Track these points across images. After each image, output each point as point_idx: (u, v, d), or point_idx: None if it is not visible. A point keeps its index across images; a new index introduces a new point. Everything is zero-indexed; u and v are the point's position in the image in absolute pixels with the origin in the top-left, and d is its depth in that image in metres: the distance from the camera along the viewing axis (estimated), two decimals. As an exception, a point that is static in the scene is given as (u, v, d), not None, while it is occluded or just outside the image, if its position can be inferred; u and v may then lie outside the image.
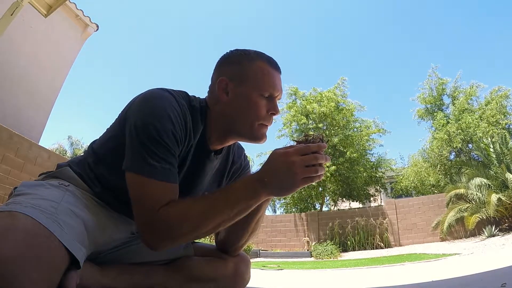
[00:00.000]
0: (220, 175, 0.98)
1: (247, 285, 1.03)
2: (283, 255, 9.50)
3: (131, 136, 0.73)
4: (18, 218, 0.60)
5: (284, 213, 13.88)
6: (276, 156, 0.69)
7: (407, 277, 3.30)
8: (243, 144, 1.04)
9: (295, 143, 0.74)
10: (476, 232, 8.48)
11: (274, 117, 0.88)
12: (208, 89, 0.90)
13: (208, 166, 0.90)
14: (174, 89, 0.84)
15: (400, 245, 9.75)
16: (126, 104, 0.83)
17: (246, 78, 0.84)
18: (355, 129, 13.08)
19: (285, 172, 0.67)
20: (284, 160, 0.67)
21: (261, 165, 0.73)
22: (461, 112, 12.25)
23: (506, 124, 11.35)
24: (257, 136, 0.86)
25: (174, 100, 0.78)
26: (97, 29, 6.12)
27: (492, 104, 11.65)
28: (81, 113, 46.94)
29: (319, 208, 13.42)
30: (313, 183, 0.74)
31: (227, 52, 0.90)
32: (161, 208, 0.69)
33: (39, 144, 4.30)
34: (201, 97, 0.91)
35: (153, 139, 0.71)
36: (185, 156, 0.83)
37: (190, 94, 0.89)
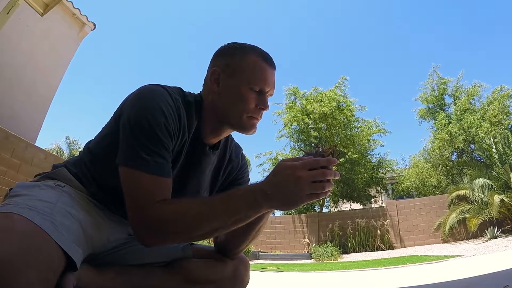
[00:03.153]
0: (216, 172, 0.97)
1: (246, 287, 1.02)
2: (282, 257, 9.46)
3: (124, 131, 0.73)
4: (14, 220, 0.60)
5: (284, 215, 13.83)
6: (283, 169, 0.66)
7: (409, 279, 3.31)
8: (242, 143, 1.05)
9: (304, 154, 0.71)
10: (478, 233, 8.42)
11: (264, 112, 0.88)
12: (203, 82, 0.91)
13: (204, 161, 0.89)
14: (169, 85, 0.84)
15: (401, 247, 9.69)
16: (122, 101, 0.82)
17: (238, 70, 0.84)
18: (356, 129, 13.02)
19: (290, 187, 0.64)
20: (290, 174, 0.65)
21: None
22: (463, 112, 12.16)
23: (508, 124, 11.25)
24: (246, 127, 0.85)
25: (167, 94, 0.77)
26: (94, 28, 6.12)
27: (495, 104, 11.55)
28: (78, 113, 46.97)
29: (319, 210, 13.37)
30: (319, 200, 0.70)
31: (223, 45, 0.90)
32: (155, 203, 0.68)
33: (35, 144, 4.28)
34: (197, 92, 0.92)
35: (145, 133, 0.71)
36: (179, 151, 0.82)
37: (185, 90, 0.89)
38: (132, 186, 0.70)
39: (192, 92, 0.90)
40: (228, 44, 0.89)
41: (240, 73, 0.83)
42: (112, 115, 0.84)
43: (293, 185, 0.64)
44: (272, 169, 0.70)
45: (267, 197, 0.67)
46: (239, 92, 0.83)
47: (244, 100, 0.83)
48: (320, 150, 0.70)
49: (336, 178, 0.67)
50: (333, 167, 0.67)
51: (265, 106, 0.85)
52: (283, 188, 0.65)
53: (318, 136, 12.14)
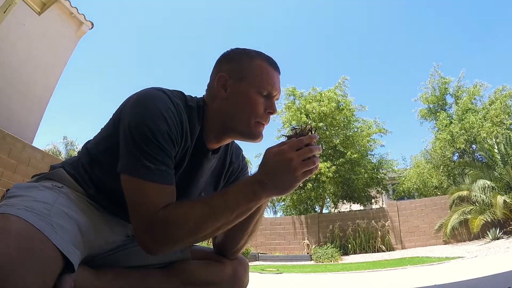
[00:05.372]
0: (217, 176, 0.97)
1: (246, 289, 1.02)
2: (282, 259, 9.41)
3: (125, 138, 0.72)
4: (11, 221, 0.60)
5: (284, 216, 13.79)
6: (272, 156, 0.69)
7: (410, 281, 3.29)
8: (241, 143, 1.04)
9: (285, 138, 0.74)
10: (480, 235, 8.36)
11: (271, 116, 0.88)
12: (206, 87, 0.91)
13: (205, 165, 0.90)
14: (170, 88, 0.84)
15: (402, 248, 9.65)
16: (121, 104, 0.82)
17: (245, 75, 0.84)
18: (356, 129, 12.97)
19: (284, 171, 0.67)
20: (281, 159, 0.67)
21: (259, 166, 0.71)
22: (465, 112, 12.11)
23: (510, 124, 11.18)
24: (253, 134, 0.85)
25: (168, 100, 0.77)
26: (92, 27, 6.11)
27: (496, 104, 11.49)
28: (76, 113, 46.87)
29: (319, 211, 13.32)
30: (312, 176, 0.76)
31: (227, 50, 0.91)
32: (159, 211, 0.68)
33: (32, 144, 4.26)
34: (199, 96, 0.92)
35: (147, 141, 0.70)
36: (182, 157, 0.82)
37: (186, 94, 0.89)
38: (135, 196, 0.69)
39: (194, 96, 0.89)
40: (232, 49, 0.90)
41: (248, 78, 0.84)
42: (111, 116, 0.84)
43: (286, 168, 0.67)
44: (262, 159, 0.71)
45: (265, 186, 0.69)
46: (247, 97, 0.83)
47: (253, 104, 0.83)
48: (299, 131, 0.73)
49: (320, 151, 0.71)
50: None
51: (273, 110, 0.86)
52: (278, 173, 0.68)
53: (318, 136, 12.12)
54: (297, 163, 0.67)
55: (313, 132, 0.73)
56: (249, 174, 1.07)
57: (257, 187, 0.69)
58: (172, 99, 0.78)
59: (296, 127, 0.75)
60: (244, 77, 0.84)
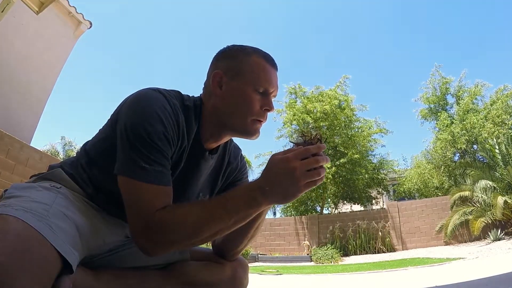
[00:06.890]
0: (215, 176, 0.96)
1: (245, 290, 1.01)
2: (282, 260, 9.41)
3: (121, 139, 0.73)
4: (9, 222, 0.60)
5: (284, 216, 13.76)
6: (276, 163, 0.67)
7: (411, 282, 3.31)
8: (241, 143, 1.04)
9: (293, 145, 0.72)
10: (481, 235, 8.33)
11: (268, 113, 0.87)
12: (203, 85, 0.90)
13: (203, 166, 0.89)
14: (167, 88, 0.83)
15: (403, 249, 9.62)
16: (118, 105, 0.82)
17: (241, 72, 0.83)
18: (357, 129, 12.96)
19: (287, 179, 0.65)
20: (285, 167, 0.65)
21: (260, 166, 0.66)
22: (466, 112, 12.09)
23: (512, 124, 11.17)
24: (249, 131, 0.84)
25: (165, 100, 0.77)
26: (90, 27, 6.10)
27: (498, 104, 11.48)
28: (75, 114, 46.93)
29: (319, 211, 13.29)
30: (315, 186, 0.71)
31: (224, 47, 0.90)
32: (156, 212, 0.68)
33: (30, 145, 4.25)
34: (197, 96, 0.91)
35: (143, 142, 0.70)
36: (179, 157, 0.82)
37: (184, 93, 0.88)
38: (132, 197, 0.69)
39: (191, 95, 0.89)
40: (228, 46, 0.89)
41: (244, 75, 0.83)
42: (109, 117, 0.83)
43: (289, 177, 0.64)
44: (266, 166, 0.69)
45: (265, 193, 0.67)
46: (243, 94, 0.82)
47: (249, 102, 0.82)
48: (308, 138, 0.71)
49: (328, 163, 0.68)
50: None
51: (270, 107, 0.85)
52: (280, 182, 0.65)
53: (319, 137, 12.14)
54: (300, 173, 0.64)
55: (322, 142, 0.70)
56: (248, 173, 1.07)
57: (257, 193, 0.68)
58: (168, 99, 0.77)
59: (305, 134, 0.72)
60: (240, 74, 0.83)
